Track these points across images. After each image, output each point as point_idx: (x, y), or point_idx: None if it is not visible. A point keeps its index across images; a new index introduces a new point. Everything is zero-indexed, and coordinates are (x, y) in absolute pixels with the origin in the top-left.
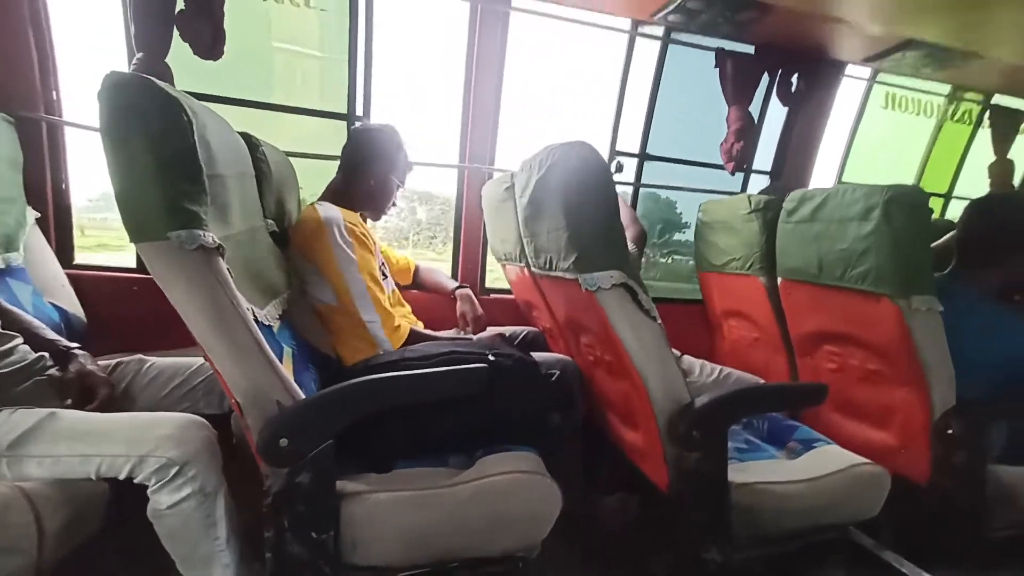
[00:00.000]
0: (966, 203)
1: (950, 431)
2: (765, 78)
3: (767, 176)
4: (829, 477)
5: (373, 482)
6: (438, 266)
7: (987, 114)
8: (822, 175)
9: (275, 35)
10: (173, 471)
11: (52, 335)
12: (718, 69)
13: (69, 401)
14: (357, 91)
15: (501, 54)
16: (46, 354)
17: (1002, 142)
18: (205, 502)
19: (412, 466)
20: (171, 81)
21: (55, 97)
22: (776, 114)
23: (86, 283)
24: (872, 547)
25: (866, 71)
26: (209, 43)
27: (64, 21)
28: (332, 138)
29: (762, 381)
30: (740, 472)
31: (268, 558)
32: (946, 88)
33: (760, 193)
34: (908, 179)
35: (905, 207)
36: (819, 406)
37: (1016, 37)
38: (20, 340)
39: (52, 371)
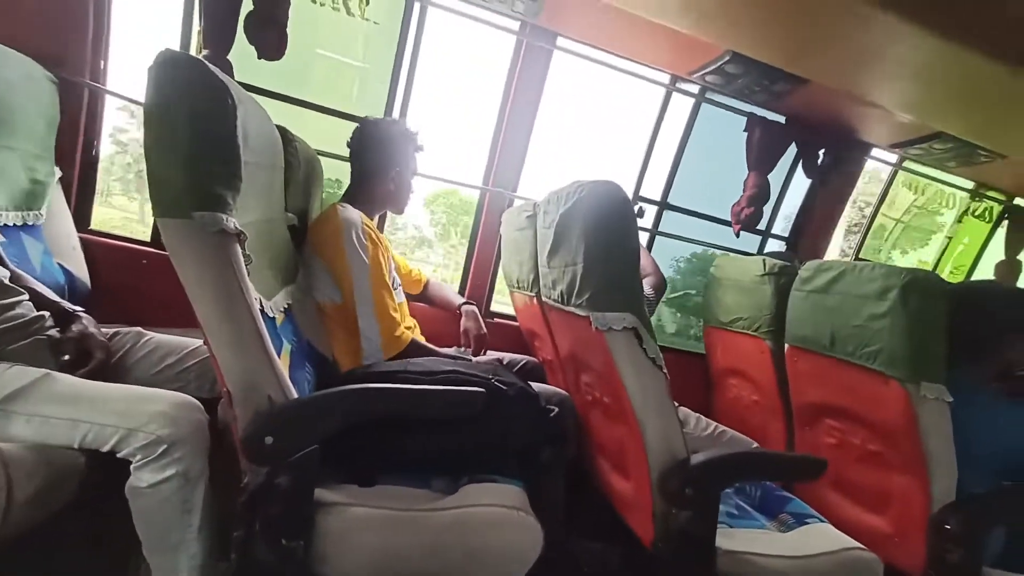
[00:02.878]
0: None
1: (948, 526)
2: (792, 148)
3: (783, 241)
4: (819, 558)
5: (352, 495)
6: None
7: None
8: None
9: (321, 42)
10: (160, 449)
11: (55, 297)
12: (746, 133)
13: (66, 358)
14: (396, 101)
15: (539, 88)
16: (46, 314)
17: (1015, 243)
18: (186, 487)
19: (394, 483)
20: (231, 75)
21: (103, 66)
22: (801, 182)
23: (98, 249)
24: None
25: (891, 155)
26: (274, 47)
27: None
28: None
29: (756, 444)
30: (727, 538)
31: (233, 559)
32: (970, 183)
33: (770, 256)
34: (926, 266)
35: (922, 292)
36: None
37: None
38: (26, 297)
39: (52, 332)
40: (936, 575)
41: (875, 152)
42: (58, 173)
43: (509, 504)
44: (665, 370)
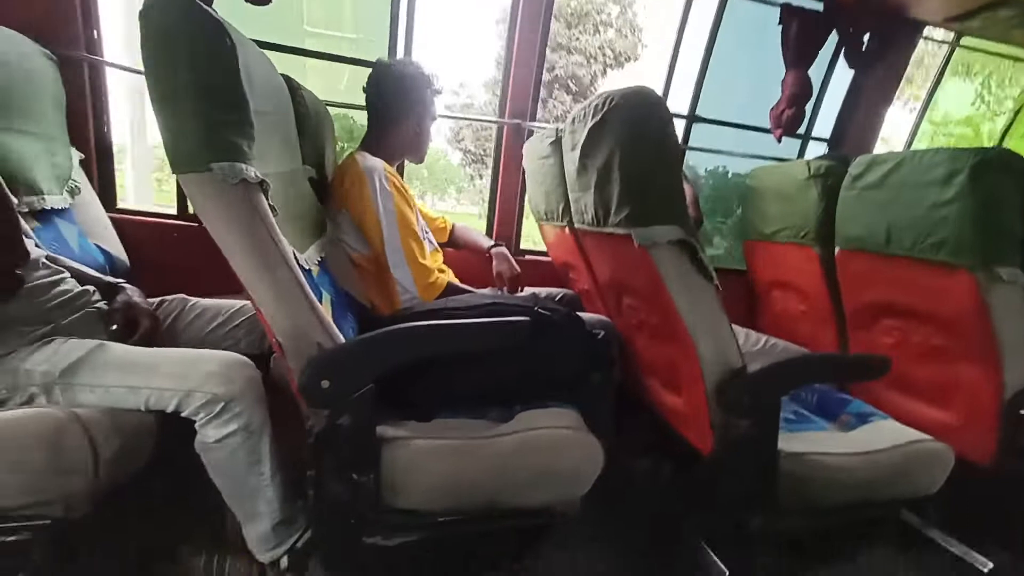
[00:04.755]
0: None
1: (1023, 411)
2: (831, 40)
3: (825, 143)
4: (887, 451)
5: (414, 429)
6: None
7: None
8: (879, 148)
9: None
10: (219, 407)
11: (95, 273)
12: (781, 28)
13: (114, 328)
14: (398, 42)
15: (549, 6)
16: (92, 288)
17: None
18: (250, 439)
19: (451, 417)
20: None
21: (96, 36)
22: (840, 79)
23: (127, 227)
24: (920, 525)
25: (943, 34)
26: None
27: None
28: None
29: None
30: (790, 441)
31: (310, 496)
32: None
33: (820, 159)
34: None
35: (997, 170)
36: (872, 382)
37: None
38: (68, 274)
39: (100, 305)
40: (1009, 459)
41: (926, 32)
42: (78, 155)
43: (568, 425)
44: (717, 282)
